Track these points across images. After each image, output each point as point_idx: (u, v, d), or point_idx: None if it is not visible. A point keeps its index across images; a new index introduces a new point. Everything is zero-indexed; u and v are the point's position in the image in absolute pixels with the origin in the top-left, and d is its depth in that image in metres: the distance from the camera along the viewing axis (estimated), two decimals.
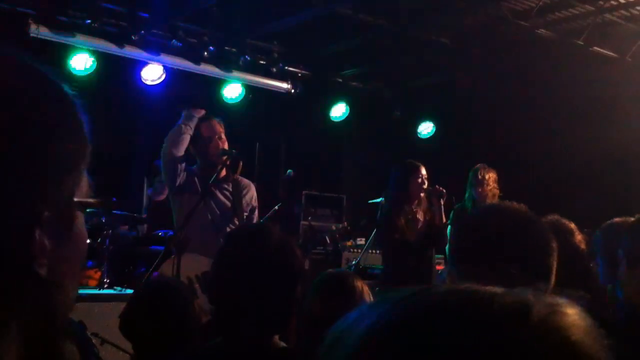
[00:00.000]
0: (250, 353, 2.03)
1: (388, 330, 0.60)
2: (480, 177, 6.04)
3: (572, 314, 0.61)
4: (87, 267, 5.99)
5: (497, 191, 6.04)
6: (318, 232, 8.17)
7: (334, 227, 8.14)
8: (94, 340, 4.10)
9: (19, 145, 0.74)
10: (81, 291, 5.33)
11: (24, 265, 0.75)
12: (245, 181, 4.88)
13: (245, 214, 4.76)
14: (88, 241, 6.09)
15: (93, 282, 5.93)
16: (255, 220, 4.87)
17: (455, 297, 0.62)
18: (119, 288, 5.63)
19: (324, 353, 0.63)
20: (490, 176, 6.07)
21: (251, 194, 4.86)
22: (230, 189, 4.70)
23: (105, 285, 5.67)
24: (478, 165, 6.18)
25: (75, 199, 0.83)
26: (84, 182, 0.85)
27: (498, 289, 0.63)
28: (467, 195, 6.15)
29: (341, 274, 2.86)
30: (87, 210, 0.88)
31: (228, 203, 4.68)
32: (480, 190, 6.01)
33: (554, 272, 1.75)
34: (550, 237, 1.79)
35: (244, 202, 4.73)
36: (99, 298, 5.25)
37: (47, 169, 0.77)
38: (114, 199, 5.37)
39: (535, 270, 1.73)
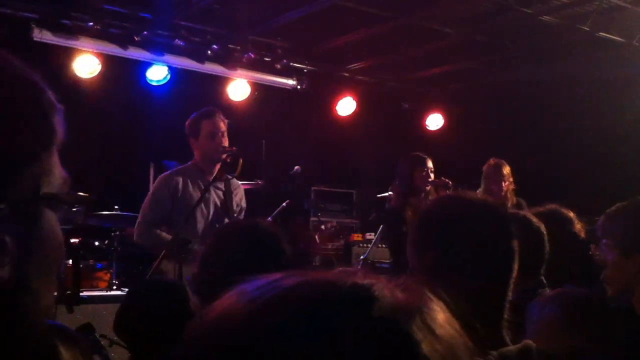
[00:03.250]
0: None
1: (230, 319, 0.59)
2: (501, 173, 5.94)
3: (425, 313, 0.58)
4: (96, 268, 6.02)
5: (512, 185, 5.98)
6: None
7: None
8: (102, 342, 4.10)
9: None
10: (91, 293, 5.35)
11: None
12: (235, 182, 4.87)
13: (235, 214, 4.73)
14: (96, 244, 6.17)
15: (103, 284, 5.95)
16: None
17: (303, 288, 0.60)
18: (128, 289, 5.63)
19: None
20: (508, 171, 5.99)
21: (240, 195, 4.85)
22: (223, 188, 4.69)
23: (115, 287, 5.69)
24: (494, 160, 6.07)
25: (44, 193, 0.75)
26: (56, 176, 0.78)
27: (351, 279, 0.60)
28: (482, 189, 6.04)
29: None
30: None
31: (220, 203, 4.67)
32: (501, 185, 5.90)
33: (515, 256, 1.73)
34: (509, 222, 1.77)
35: (234, 202, 4.71)
36: (108, 299, 5.26)
37: None
38: (94, 196, 5.24)
39: (495, 254, 1.72)
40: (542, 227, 2.64)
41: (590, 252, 2.80)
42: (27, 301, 0.75)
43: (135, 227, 4.67)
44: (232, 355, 0.56)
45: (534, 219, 2.69)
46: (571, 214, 3.00)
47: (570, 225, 2.96)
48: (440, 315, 0.59)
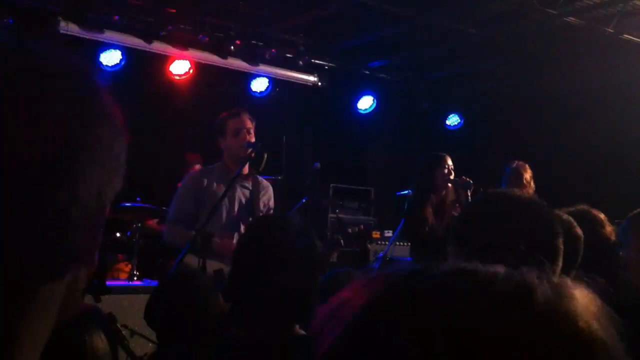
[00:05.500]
0: (270, 342, 2.04)
1: (383, 311, 0.58)
2: (523, 179, 5.91)
3: (579, 297, 0.59)
4: (117, 260, 6.08)
5: (532, 188, 5.96)
6: (345, 224, 8.21)
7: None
8: (124, 332, 4.15)
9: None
10: (111, 284, 5.40)
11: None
12: (265, 182, 4.89)
13: (261, 213, 4.76)
14: (118, 235, 6.24)
15: (123, 275, 6.02)
16: None
17: (456, 278, 0.60)
18: (148, 280, 5.70)
19: (318, 327, 0.62)
20: (530, 174, 5.97)
21: (269, 195, 4.85)
22: (250, 187, 4.72)
23: (135, 278, 5.74)
24: (516, 163, 6.04)
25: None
26: None
27: (501, 269, 0.60)
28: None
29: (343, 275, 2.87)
30: None
31: (246, 201, 4.70)
32: (514, 184, 5.89)
33: (560, 255, 1.74)
34: (554, 221, 1.78)
35: (261, 202, 4.74)
36: (129, 290, 5.31)
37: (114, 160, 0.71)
38: None
39: (540, 251, 1.73)
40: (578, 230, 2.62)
41: (620, 255, 2.78)
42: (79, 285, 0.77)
43: (164, 226, 4.76)
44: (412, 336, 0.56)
45: (573, 221, 2.67)
46: (602, 216, 2.96)
47: (600, 227, 2.93)
48: (587, 295, 0.60)
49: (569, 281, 0.61)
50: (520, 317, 0.56)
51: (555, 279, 0.61)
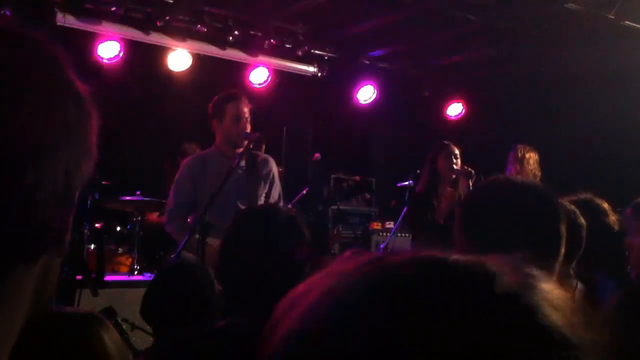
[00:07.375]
0: (261, 332, 2.01)
1: (335, 304, 0.56)
2: (520, 155, 5.94)
3: (546, 291, 0.56)
4: (117, 253, 6.06)
5: (538, 172, 5.94)
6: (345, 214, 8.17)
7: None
8: (124, 326, 4.14)
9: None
10: (112, 277, 5.38)
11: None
12: (263, 156, 4.83)
13: (265, 191, 4.73)
14: (118, 228, 6.22)
15: (124, 269, 5.99)
16: (278, 197, 4.82)
17: (413, 267, 0.56)
18: (149, 274, 5.67)
19: (272, 325, 0.60)
20: (531, 156, 5.98)
21: (269, 168, 4.80)
22: (244, 166, 4.67)
23: (136, 272, 5.72)
24: (516, 146, 6.08)
25: None
26: None
27: (462, 257, 0.57)
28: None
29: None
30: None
31: (242, 182, 4.66)
32: (519, 168, 5.90)
33: (563, 240, 1.72)
34: (557, 206, 1.76)
35: (261, 181, 4.70)
36: (130, 284, 5.29)
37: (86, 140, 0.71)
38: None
39: (542, 237, 1.71)
40: (582, 220, 2.59)
41: (623, 244, 2.76)
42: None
43: (165, 214, 4.76)
44: (350, 330, 0.54)
45: (577, 210, 2.65)
46: (605, 205, 2.94)
47: (604, 216, 2.91)
48: (553, 287, 0.57)
49: (538, 272, 0.58)
50: (474, 309, 0.52)
51: (529, 269, 0.58)
